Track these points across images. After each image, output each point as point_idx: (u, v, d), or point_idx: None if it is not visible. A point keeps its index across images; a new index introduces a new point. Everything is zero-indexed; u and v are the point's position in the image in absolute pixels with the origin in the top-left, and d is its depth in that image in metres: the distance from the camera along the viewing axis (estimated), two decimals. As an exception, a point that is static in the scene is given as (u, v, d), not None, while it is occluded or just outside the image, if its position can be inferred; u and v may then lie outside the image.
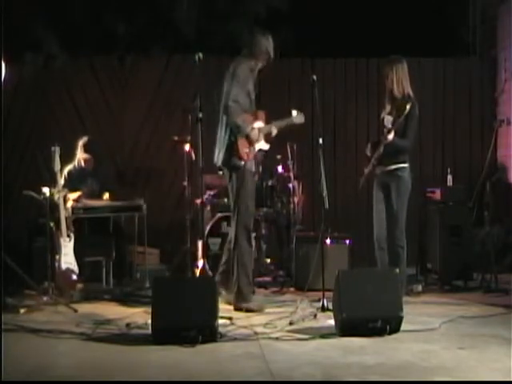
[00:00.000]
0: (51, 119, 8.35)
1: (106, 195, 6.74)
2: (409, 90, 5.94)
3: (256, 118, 5.81)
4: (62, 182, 6.23)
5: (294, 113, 6.02)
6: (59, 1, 8.34)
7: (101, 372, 3.94)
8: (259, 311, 5.52)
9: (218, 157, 5.76)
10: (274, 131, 5.93)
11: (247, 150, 5.70)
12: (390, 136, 5.79)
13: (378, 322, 4.59)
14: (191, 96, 5.78)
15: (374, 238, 6.04)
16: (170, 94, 8.37)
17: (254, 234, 6.88)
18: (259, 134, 5.80)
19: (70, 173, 6.73)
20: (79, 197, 6.54)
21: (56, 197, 6.13)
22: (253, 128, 5.73)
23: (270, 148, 7.47)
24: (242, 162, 5.67)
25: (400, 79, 5.92)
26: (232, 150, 5.67)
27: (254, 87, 5.81)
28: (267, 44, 5.77)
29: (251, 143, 5.74)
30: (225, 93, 5.63)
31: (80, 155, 6.84)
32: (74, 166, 6.81)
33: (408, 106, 5.74)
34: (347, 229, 7.17)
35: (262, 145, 5.90)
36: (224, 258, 5.91)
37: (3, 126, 7.51)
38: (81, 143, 6.85)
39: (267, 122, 5.91)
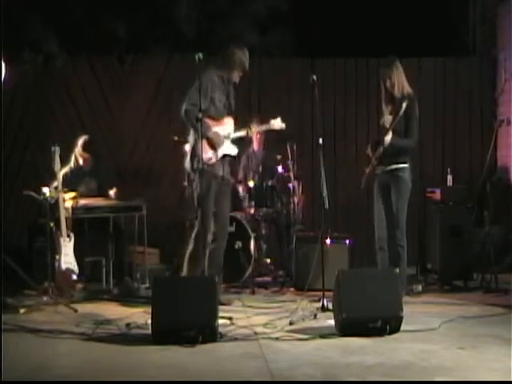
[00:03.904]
0: (51, 119, 8.35)
1: (114, 190, 6.78)
2: (408, 89, 5.95)
3: (222, 124, 5.86)
4: (61, 181, 6.23)
5: (273, 121, 6.26)
6: (59, 0, 8.35)
7: (101, 372, 3.94)
8: None
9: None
10: (251, 132, 6.20)
11: (210, 155, 5.76)
12: (388, 138, 5.80)
13: (378, 321, 4.59)
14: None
15: (376, 239, 6.03)
16: (169, 94, 8.36)
17: (253, 234, 6.91)
18: (223, 138, 5.84)
19: (66, 174, 6.71)
20: (74, 197, 6.53)
21: (56, 197, 6.13)
22: (214, 132, 5.77)
23: (270, 148, 7.54)
24: (206, 166, 5.68)
25: (400, 79, 5.93)
26: (195, 154, 5.73)
27: (227, 96, 5.90)
28: (242, 56, 5.91)
29: (213, 147, 5.78)
30: (186, 98, 5.72)
31: (78, 153, 6.84)
32: (71, 167, 6.81)
33: (404, 105, 5.75)
34: (347, 229, 7.16)
35: (228, 149, 5.93)
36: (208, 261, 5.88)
37: (3, 126, 7.51)
38: (81, 141, 6.87)
39: (243, 125, 6.06)
